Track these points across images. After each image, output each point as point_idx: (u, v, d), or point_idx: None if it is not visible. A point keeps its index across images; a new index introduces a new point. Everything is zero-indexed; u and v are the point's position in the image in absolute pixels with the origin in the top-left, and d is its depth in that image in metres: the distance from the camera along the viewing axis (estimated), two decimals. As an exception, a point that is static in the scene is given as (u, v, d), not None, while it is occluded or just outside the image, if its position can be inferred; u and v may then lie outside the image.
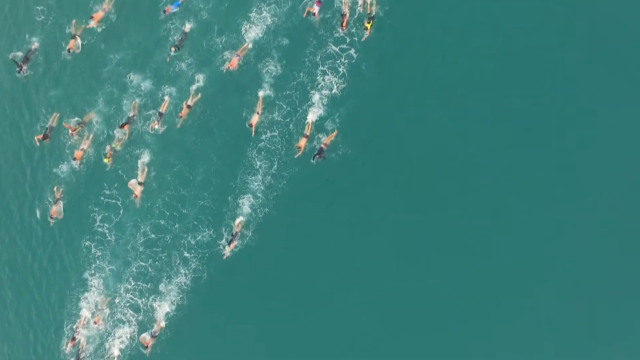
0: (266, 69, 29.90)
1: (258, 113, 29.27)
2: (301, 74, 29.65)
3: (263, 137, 29.48)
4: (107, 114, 30.88)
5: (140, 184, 29.36)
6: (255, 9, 30.32)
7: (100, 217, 30.33)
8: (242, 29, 30.31)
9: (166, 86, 30.52)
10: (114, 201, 30.33)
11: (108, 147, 29.97)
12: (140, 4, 31.46)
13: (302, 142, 28.64)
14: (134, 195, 29.48)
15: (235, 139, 29.73)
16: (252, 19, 30.29)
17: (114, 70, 31.12)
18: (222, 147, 29.86)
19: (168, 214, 29.84)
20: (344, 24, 29.16)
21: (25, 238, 31.56)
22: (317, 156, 28.33)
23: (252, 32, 30.29)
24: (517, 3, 29.44)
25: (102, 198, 30.43)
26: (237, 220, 28.77)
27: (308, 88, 29.53)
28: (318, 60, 29.61)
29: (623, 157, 28.17)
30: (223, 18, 30.68)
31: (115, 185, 30.37)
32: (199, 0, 31.01)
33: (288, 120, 29.49)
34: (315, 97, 29.39)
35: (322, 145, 28.43)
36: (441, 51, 29.40)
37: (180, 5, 30.81)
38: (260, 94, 29.55)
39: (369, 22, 29.09)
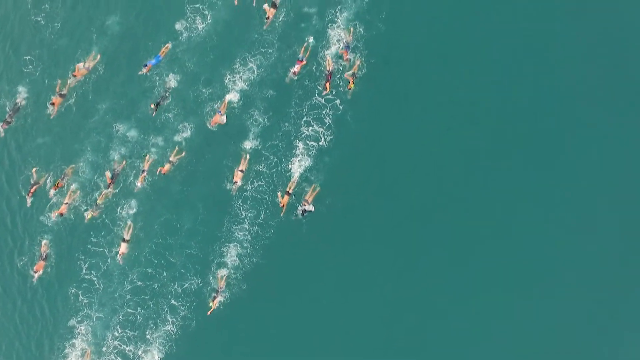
0: (252, 119, 30.60)
1: (242, 171, 29.87)
2: (287, 124, 30.41)
3: (249, 186, 30.11)
4: (95, 163, 31.18)
5: (125, 241, 29.75)
6: (239, 60, 30.99)
7: (87, 264, 30.60)
8: (227, 80, 30.96)
9: (152, 137, 30.99)
10: (100, 249, 30.63)
11: (89, 213, 30.27)
12: (127, 56, 31.86)
13: (285, 199, 29.28)
14: (120, 253, 29.83)
15: (221, 188, 30.27)
16: (237, 70, 30.96)
17: (101, 119, 31.47)
18: (208, 197, 30.41)
19: (155, 262, 30.27)
20: (328, 83, 29.94)
21: (8, 286, 31.62)
22: (301, 214, 28.95)
23: (238, 83, 30.97)
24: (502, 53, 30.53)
25: (89, 246, 30.69)
26: (220, 275, 29.30)
27: (293, 139, 30.28)
28: (304, 111, 30.39)
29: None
30: (208, 69, 31.27)
31: (102, 233, 30.68)
32: (184, 53, 31.53)
33: (274, 170, 30.18)
34: (300, 147, 30.15)
35: (304, 204, 29.04)
36: (423, 103, 30.48)
37: (161, 60, 31.26)
38: (246, 152, 30.14)
39: (352, 80, 29.88)
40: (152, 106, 30.66)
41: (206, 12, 31.48)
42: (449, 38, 30.69)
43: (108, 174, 30.34)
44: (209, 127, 30.56)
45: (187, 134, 30.78)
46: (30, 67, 32.19)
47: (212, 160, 30.71)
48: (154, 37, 31.74)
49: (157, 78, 31.39)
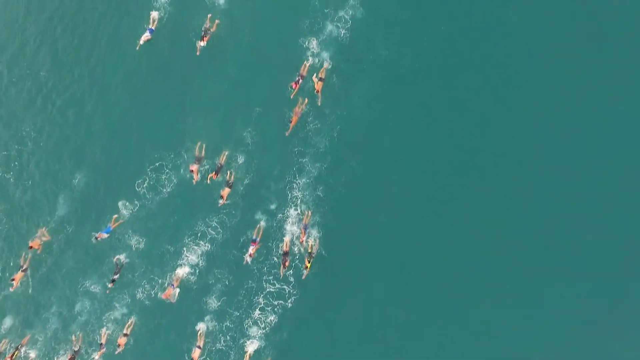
0: (206, 300, 30.92)
1: (199, 347, 30.49)
2: (242, 306, 30.68)
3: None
4: (53, 336, 31.74)
5: None
6: (190, 243, 31.01)
7: None
8: (184, 256, 31.10)
9: (109, 313, 31.38)
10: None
11: None
12: (80, 233, 31.81)
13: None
14: None
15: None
16: (191, 247, 31.03)
17: (60, 293, 31.78)
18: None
19: None
20: (286, 263, 30.05)
21: None
22: None
23: (193, 256, 31.11)
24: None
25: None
26: None
27: (247, 320, 30.69)
28: (258, 290, 30.69)
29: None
30: (163, 245, 31.35)
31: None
32: (146, 216, 31.50)
33: (230, 353, 30.77)
34: (254, 330, 30.64)
35: None
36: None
37: (111, 231, 31.20)
38: (201, 329, 30.64)
39: (309, 261, 29.99)
40: (110, 285, 30.84)
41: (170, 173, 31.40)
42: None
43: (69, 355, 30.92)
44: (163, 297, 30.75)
45: (134, 320, 30.93)
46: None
47: (164, 346, 31.04)
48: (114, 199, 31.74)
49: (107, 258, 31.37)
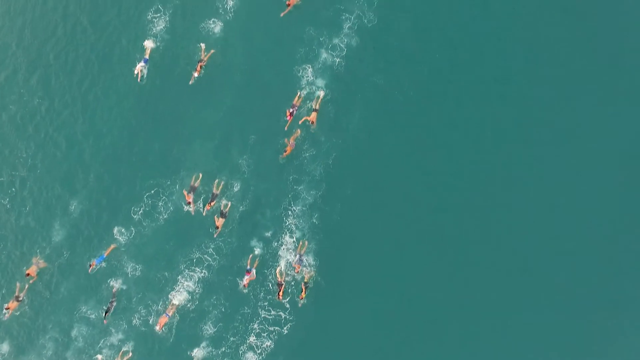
0: (202, 326, 31.09)
1: (196, 374, 30.71)
2: (238, 332, 30.89)
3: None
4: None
5: None
6: (186, 270, 31.20)
7: None
8: (180, 283, 31.24)
9: (105, 339, 31.50)
10: None
11: None
12: (76, 260, 31.92)
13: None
14: None
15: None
16: (187, 274, 31.20)
17: (56, 319, 31.88)
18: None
19: None
20: (281, 293, 30.26)
21: None
22: None
23: (189, 282, 31.27)
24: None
25: None
26: None
27: (242, 346, 30.88)
28: (253, 316, 30.91)
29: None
30: (159, 272, 31.50)
31: None
32: (143, 243, 31.62)
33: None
34: (250, 356, 30.84)
35: None
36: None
37: (105, 259, 31.31)
38: (197, 355, 30.81)
39: (304, 291, 30.23)
40: (105, 315, 30.95)
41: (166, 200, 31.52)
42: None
43: None
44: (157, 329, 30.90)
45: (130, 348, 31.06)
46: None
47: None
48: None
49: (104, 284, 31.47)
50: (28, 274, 31.14)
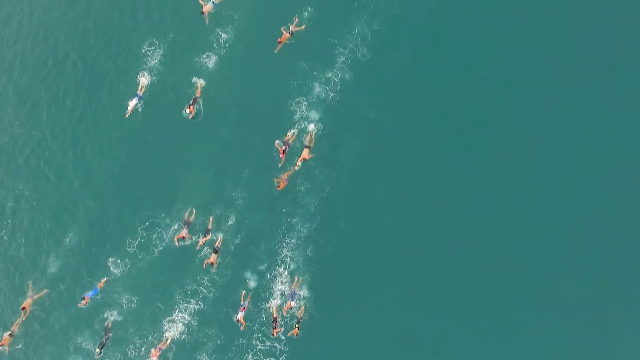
0: (197, 357, 31.31)
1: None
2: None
3: None
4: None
5: None
6: (181, 302, 31.39)
7: None
8: (175, 315, 31.46)
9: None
10: None
11: None
12: (71, 291, 32.05)
13: None
14: None
15: None
16: (182, 306, 31.42)
17: (51, 349, 31.99)
18: None
19: None
20: (274, 331, 30.44)
21: None
22: None
23: (184, 314, 31.50)
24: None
25: None
26: None
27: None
28: (248, 348, 31.15)
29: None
30: (154, 303, 31.70)
31: None
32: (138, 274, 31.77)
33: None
34: (245, 390, 31.16)
35: None
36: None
37: (99, 292, 31.46)
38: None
39: (297, 326, 30.46)
40: (98, 351, 31.11)
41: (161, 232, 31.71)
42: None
43: None
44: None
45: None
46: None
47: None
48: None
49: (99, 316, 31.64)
50: (23, 308, 31.19)
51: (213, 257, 30.86)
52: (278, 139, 31.10)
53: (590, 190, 30.95)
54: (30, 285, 31.77)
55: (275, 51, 31.70)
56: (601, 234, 30.60)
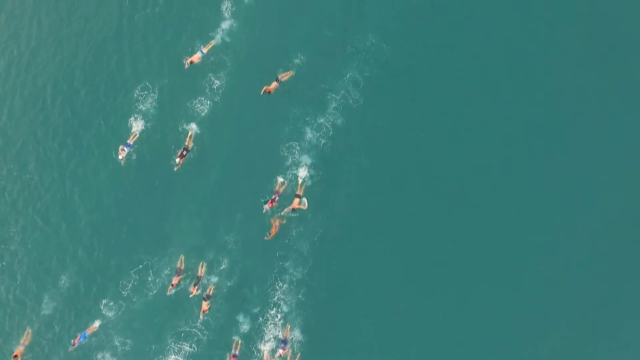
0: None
1: None
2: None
3: None
4: None
5: None
6: (175, 344, 31.75)
7: None
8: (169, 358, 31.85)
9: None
10: None
11: None
12: (65, 333, 32.29)
13: None
14: None
15: None
16: (175, 348, 31.78)
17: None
18: None
19: None
20: (268, 373, 30.94)
21: None
22: None
23: (178, 357, 31.84)
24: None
25: None
26: None
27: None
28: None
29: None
30: (148, 345, 32.00)
31: None
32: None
33: None
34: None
35: None
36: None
37: (87, 337, 31.69)
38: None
39: (290, 366, 30.97)
40: None
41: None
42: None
43: None
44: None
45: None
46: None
47: None
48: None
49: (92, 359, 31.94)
50: (15, 356, 31.37)
51: (205, 305, 31.16)
52: (263, 198, 31.42)
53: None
54: (23, 336, 31.92)
55: (261, 93, 31.70)
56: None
